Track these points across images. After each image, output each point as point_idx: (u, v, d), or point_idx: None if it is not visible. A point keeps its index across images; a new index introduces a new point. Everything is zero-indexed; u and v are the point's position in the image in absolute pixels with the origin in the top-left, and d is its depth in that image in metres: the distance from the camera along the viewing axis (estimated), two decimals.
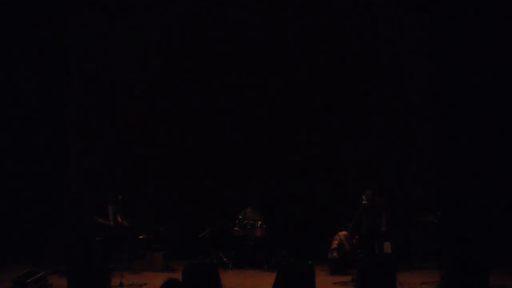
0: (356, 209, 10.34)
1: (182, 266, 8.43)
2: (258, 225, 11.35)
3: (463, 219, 11.80)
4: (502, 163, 12.00)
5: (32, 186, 12.54)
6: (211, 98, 12.86)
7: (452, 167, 12.28)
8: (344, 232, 10.67)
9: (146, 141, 12.82)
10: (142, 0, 12.94)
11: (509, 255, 11.07)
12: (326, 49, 12.72)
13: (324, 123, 12.70)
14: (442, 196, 12.16)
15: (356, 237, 10.53)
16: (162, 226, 11.41)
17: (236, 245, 11.40)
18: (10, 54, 12.69)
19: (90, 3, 12.97)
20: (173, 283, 5.02)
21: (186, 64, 12.86)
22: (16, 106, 12.67)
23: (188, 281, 8.06)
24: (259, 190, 12.27)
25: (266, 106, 12.76)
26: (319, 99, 12.72)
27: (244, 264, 11.19)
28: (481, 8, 12.15)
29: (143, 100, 12.88)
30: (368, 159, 12.44)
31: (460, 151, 12.26)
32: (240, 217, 11.46)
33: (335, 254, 10.64)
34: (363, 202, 10.30)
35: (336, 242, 10.69)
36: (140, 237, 11.31)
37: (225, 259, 11.23)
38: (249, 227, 11.28)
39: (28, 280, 8.53)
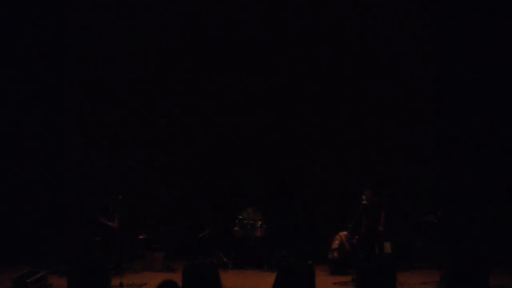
0: (356, 209, 10.34)
1: (182, 266, 8.45)
2: (258, 225, 11.35)
3: (463, 219, 11.79)
4: (502, 163, 12.00)
5: (32, 186, 12.54)
6: (211, 98, 12.86)
7: (452, 166, 12.28)
8: (345, 232, 10.67)
9: (146, 141, 12.83)
10: (142, 0, 12.95)
11: (509, 255, 11.07)
12: (326, 49, 12.71)
13: (324, 123, 12.70)
14: (442, 196, 12.16)
15: (356, 237, 10.53)
16: (162, 226, 11.41)
17: (236, 245, 11.40)
18: (10, 54, 12.69)
19: (90, 3, 12.98)
20: (169, 284, 4.99)
21: (186, 64, 12.87)
22: (16, 106, 12.67)
23: (188, 281, 8.07)
24: (259, 190, 12.27)
25: (266, 106, 12.76)
26: (319, 99, 12.72)
27: (244, 264, 11.19)
28: (481, 8, 12.15)
29: (143, 100, 12.88)
30: (368, 159, 12.44)
31: (460, 151, 12.25)
32: (240, 217, 11.47)
33: (335, 254, 10.64)
34: (363, 202, 10.31)
35: (337, 242, 10.69)
36: (140, 237, 11.31)
37: (225, 259, 11.23)
38: (249, 227, 11.29)
39: (28, 280, 8.54)
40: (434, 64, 12.59)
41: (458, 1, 12.40)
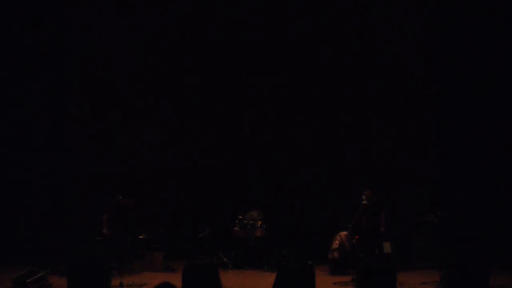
0: (356, 209, 10.34)
1: (182, 266, 8.47)
2: (258, 225, 11.35)
3: (463, 219, 11.79)
4: (502, 163, 12.00)
5: (32, 186, 12.54)
6: (211, 98, 12.86)
7: (452, 167, 12.28)
8: (345, 232, 10.67)
9: (147, 141, 12.82)
10: (142, 0, 12.94)
11: (509, 255, 11.07)
12: (326, 49, 12.71)
13: (324, 123, 12.70)
14: (442, 196, 12.16)
15: (356, 237, 10.53)
16: (162, 226, 11.41)
17: (236, 245, 11.39)
18: (10, 54, 12.69)
19: (90, 3, 12.97)
20: (166, 286, 4.99)
21: (186, 64, 12.86)
22: (17, 106, 12.67)
23: (188, 281, 8.07)
24: (260, 190, 12.27)
25: (267, 106, 12.76)
26: (319, 99, 12.71)
27: (244, 264, 11.19)
28: (481, 8, 12.14)
29: (143, 100, 12.87)
30: (368, 159, 12.44)
31: (460, 151, 12.25)
32: (240, 217, 11.46)
33: (335, 254, 10.64)
34: (363, 202, 10.31)
35: (337, 242, 10.69)
36: (140, 237, 11.31)
37: (225, 259, 11.23)
38: (249, 227, 11.28)
39: (28, 280, 8.54)
40: (434, 64, 12.59)
41: (458, 1, 12.39)
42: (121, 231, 10.78)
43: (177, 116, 12.87)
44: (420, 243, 11.36)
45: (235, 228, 11.42)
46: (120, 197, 10.69)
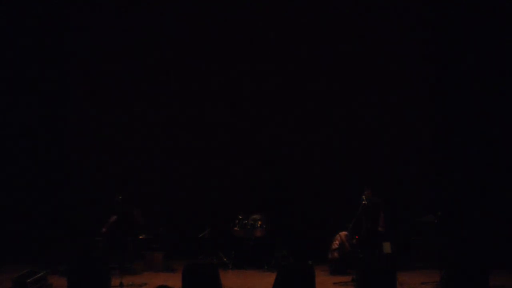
0: (356, 209, 10.34)
1: (182, 266, 8.46)
2: (258, 225, 11.34)
3: (463, 219, 11.79)
4: (502, 163, 12.00)
5: (32, 186, 12.54)
6: (211, 98, 12.85)
7: (452, 167, 12.28)
8: (345, 232, 10.67)
9: (147, 141, 12.82)
10: (142, 0, 12.94)
11: (509, 255, 11.07)
12: (326, 49, 12.71)
13: (324, 123, 12.70)
14: (442, 196, 12.16)
15: (356, 237, 10.53)
16: (162, 226, 11.41)
17: (236, 245, 11.39)
18: (10, 54, 12.68)
19: (90, 3, 12.97)
20: None
21: (186, 64, 12.86)
22: (16, 107, 12.66)
23: (188, 281, 8.08)
24: (259, 190, 12.27)
25: (266, 106, 12.75)
26: (319, 99, 12.71)
27: (244, 264, 11.18)
28: (481, 8, 12.14)
29: (143, 100, 12.87)
30: (368, 159, 12.43)
31: (460, 151, 12.25)
32: (240, 217, 11.46)
33: (335, 254, 10.64)
34: (363, 202, 10.30)
35: (337, 242, 10.69)
36: (140, 237, 11.31)
37: (225, 259, 11.23)
38: (249, 227, 11.28)
39: (28, 280, 8.54)
40: (434, 64, 12.58)
41: (458, 1, 12.39)
42: (121, 231, 10.78)
43: (177, 116, 12.86)
44: (420, 243, 11.36)
45: (235, 228, 11.42)
46: (120, 197, 10.68)
